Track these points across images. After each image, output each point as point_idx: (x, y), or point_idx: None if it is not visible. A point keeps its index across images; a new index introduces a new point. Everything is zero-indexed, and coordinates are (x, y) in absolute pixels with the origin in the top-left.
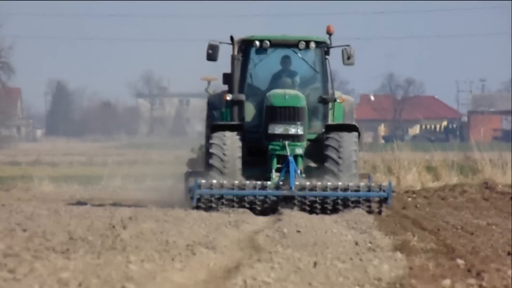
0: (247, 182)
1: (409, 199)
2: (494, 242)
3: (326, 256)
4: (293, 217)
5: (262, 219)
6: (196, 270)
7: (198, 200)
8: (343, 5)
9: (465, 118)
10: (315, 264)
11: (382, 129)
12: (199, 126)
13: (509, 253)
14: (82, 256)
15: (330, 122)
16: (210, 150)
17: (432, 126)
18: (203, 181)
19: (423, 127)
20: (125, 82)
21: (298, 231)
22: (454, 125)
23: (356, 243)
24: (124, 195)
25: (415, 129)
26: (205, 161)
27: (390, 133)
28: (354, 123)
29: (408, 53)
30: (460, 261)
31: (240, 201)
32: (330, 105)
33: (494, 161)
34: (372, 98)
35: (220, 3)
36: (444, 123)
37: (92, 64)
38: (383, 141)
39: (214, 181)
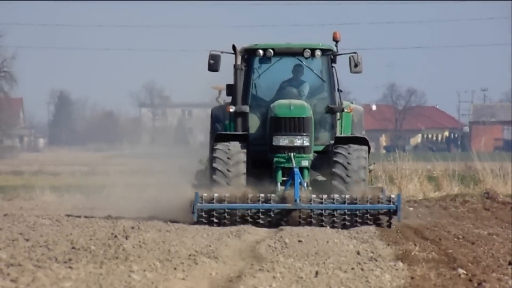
0: (250, 195)
1: (411, 208)
2: (495, 252)
3: (328, 266)
4: (294, 227)
5: (263, 229)
6: (198, 279)
7: (199, 214)
8: (344, 15)
9: (466, 128)
10: (316, 273)
11: (383, 139)
12: (202, 137)
13: (510, 263)
14: (84, 265)
15: (338, 133)
16: (214, 165)
17: (434, 136)
18: (204, 194)
19: (425, 137)
20: (128, 92)
21: (300, 241)
22: (456, 135)
23: (358, 253)
24: (126, 205)
25: (417, 139)
26: (209, 174)
27: (392, 143)
28: (363, 134)
29: (409, 63)
30: (461, 271)
31: (242, 215)
32: (338, 115)
33: (495, 171)
34: (374, 108)
35: (223, 13)
36: (446, 133)
37: (94, 74)
38: (384, 151)
39: (216, 194)
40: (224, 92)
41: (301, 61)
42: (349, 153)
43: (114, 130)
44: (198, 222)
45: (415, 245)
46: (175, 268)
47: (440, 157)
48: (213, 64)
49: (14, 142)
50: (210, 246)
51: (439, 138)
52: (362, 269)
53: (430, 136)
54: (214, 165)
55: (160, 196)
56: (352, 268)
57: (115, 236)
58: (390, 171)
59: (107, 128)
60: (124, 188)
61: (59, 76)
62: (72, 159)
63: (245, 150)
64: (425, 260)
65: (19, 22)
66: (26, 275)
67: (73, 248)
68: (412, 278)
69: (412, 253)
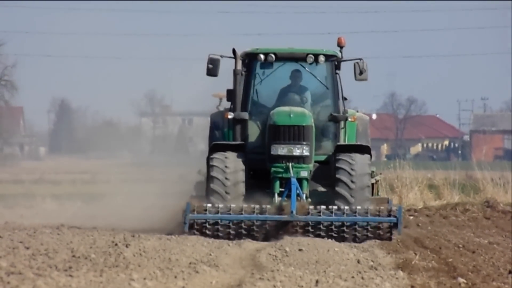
0: (245, 205)
1: (411, 217)
2: (495, 261)
3: (328, 275)
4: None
5: None
6: None
7: (191, 225)
8: (344, 24)
9: (466, 137)
10: (317, 282)
11: (384, 148)
12: (202, 145)
13: (510, 272)
14: (85, 274)
15: (341, 142)
16: (211, 174)
17: (434, 145)
18: (197, 204)
19: (425, 146)
20: (128, 100)
21: (300, 250)
22: (456, 144)
23: (358, 262)
24: (126, 213)
25: (417, 148)
26: (206, 184)
27: (392, 152)
28: (368, 143)
29: (410, 72)
30: (461, 280)
31: (237, 227)
32: (341, 124)
33: (495, 180)
34: (374, 117)
35: (226, 22)
36: (446, 142)
37: (95, 83)
38: (385, 160)
39: (209, 205)
40: (225, 100)
41: (304, 67)
42: (352, 160)
43: (115, 139)
44: (191, 233)
45: (415, 254)
46: (175, 277)
47: (441, 166)
48: (212, 69)
49: (15, 150)
50: (210, 254)
51: (440, 147)
52: (362, 278)
53: (430, 145)
54: (212, 173)
55: (160, 205)
56: (353, 277)
57: (116, 244)
58: (390, 180)
59: (108, 136)
60: (125, 196)
61: (60, 84)
62: (73, 167)
63: (242, 159)
64: (425, 269)
65: (20, 30)
66: (27, 283)
67: (73, 256)
68: (412, 287)
69: (413, 262)
